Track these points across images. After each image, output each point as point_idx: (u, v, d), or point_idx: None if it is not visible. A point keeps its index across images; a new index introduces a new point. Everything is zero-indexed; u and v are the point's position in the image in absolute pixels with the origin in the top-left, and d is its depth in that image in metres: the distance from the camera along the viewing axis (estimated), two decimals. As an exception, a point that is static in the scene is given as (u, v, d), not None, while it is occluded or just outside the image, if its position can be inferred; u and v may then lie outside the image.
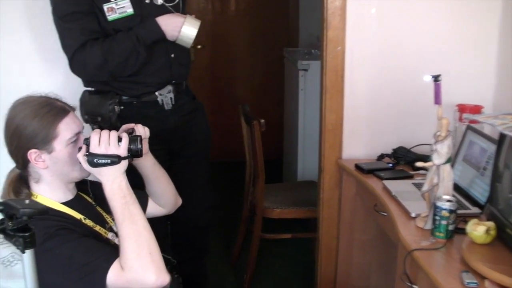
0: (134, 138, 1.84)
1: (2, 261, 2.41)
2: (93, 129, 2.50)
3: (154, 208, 2.19)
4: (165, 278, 1.66)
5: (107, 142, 1.76)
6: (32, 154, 1.78)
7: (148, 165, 2.07)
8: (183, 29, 2.47)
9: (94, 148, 1.75)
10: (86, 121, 2.52)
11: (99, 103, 2.51)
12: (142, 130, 1.98)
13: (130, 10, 2.45)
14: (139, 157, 1.87)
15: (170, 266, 2.09)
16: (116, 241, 1.88)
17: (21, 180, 1.88)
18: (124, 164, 1.78)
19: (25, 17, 2.76)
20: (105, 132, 1.78)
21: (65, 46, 2.44)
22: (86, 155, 1.75)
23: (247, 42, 5.75)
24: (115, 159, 1.74)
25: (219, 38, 5.64)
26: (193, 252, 3.05)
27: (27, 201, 1.16)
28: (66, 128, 1.80)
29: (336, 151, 2.88)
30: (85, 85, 2.60)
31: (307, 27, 5.26)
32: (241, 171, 3.79)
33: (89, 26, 2.41)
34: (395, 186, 2.40)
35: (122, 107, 2.55)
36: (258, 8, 5.64)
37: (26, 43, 2.79)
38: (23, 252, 1.16)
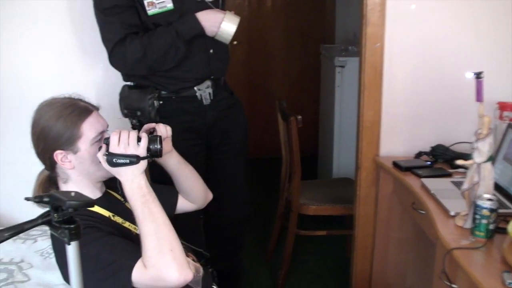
0: (153, 138, 1.83)
1: (41, 253, 2.46)
2: (132, 124, 2.53)
3: (184, 204, 2.21)
4: (188, 274, 1.66)
5: (126, 142, 1.76)
6: (58, 155, 1.80)
7: (173, 162, 2.08)
8: (223, 25, 2.47)
9: (114, 148, 1.75)
10: (126, 116, 2.54)
11: (139, 98, 2.53)
12: (164, 130, 1.98)
13: (170, 5, 2.46)
14: (158, 157, 1.86)
15: (203, 259, 2.12)
16: None
17: (50, 181, 1.91)
18: (143, 164, 1.77)
19: (66, 12, 2.79)
20: (124, 132, 1.78)
21: (105, 40, 2.47)
22: (106, 155, 1.76)
23: (283, 38, 5.74)
24: (133, 159, 1.74)
25: (255, 34, 5.64)
26: (230, 247, 3.06)
27: (72, 194, 1.18)
28: (90, 128, 1.81)
29: (374, 148, 2.86)
30: (125, 80, 2.63)
31: (343, 24, 5.24)
32: (276, 167, 3.79)
33: (129, 20, 2.44)
34: (433, 184, 2.38)
35: (161, 102, 2.57)
36: (294, 4, 5.63)
37: (66, 38, 2.82)
38: (69, 244, 1.18)
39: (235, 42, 5.37)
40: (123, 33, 2.42)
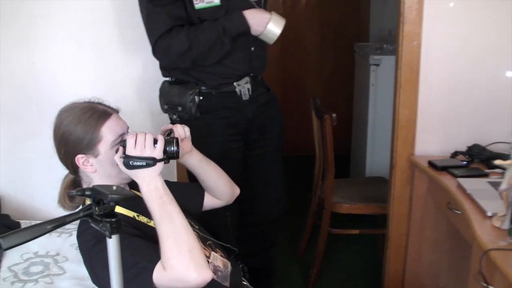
0: (170, 140, 1.83)
1: (77, 247, 2.48)
2: (171, 119, 2.54)
3: (211, 200, 2.21)
4: (207, 274, 1.65)
5: (143, 144, 1.76)
6: (80, 159, 1.82)
7: (194, 162, 2.07)
8: (269, 26, 2.51)
9: (130, 151, 1.75)
10: (166, 111, 2.57)
11: (180, 93, 2.55)
12: (181, 131, 1.97)
13: (216, 1, 2.48)
14: (175, 158, 1.85)
15: (233, 255, 2.13)
16: None
17: (75, 185, 1.94)
18: (159, 166, 1.77)
19: (104, 9, 2.82)
20: (141, 135, 1.78)
21: (151, 30, 2.48)
22: (122, 157, 1.76)
23: (317, 36, 5.73)
24: (150, 161, 1.74)
25: (289, 32, 5.60)
26: (263, 244, 3.07)
27: (114, 187, 1.19)
28: (109, 131, 1.82)
29: (409, 147, 2.84)
30: (164, 75, 2.64)
31: (378, 22, 5.20)
32: (308, 165, 3.79)
33: (176, 13, 2.45)
34: (470, 184, 2.35)
35: (201, 98, 2.58)
36: (328, 2, 5.62)
37: (106, 35, 2.86)
38: (110, 237, 1.19)
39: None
40: (170, 24, 2.43)
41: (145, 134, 1.78)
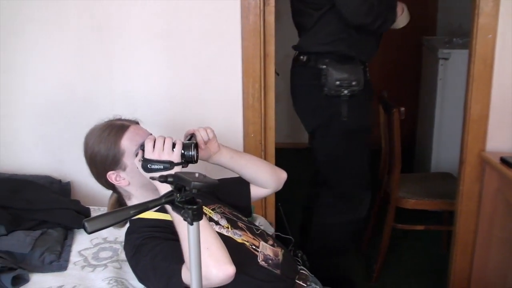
0: (188, 145, 1.83)
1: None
2: (340, 96, 2.72)
3: (258, 191, 2.20)
4: (227, 269, 1.64)
5: (161, 148, 1.78)
6: (111, 175, 1.88)
7: (225, 160, 2.07)
8: (401, 16, 2.77)
9: (148, 154, 1.78)
10: (335, 88, 2.69)
11: (352, 68, 2.70)
12: (204, 133, 1.97)
13: None
14: (193, 162, 1.85)
15: (291, 244, 2.21)
16: (216, 228, 1.90)
17: (119, 203, 2.00)
18: (177, 169, 1.78)
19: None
20: (159, 138, 1.80)
21: None
22: (141, 160, 1.79)
23: (382, 28, 5.64)
24: (167, 165, 1.75)
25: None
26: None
27: (197, 175, 1.20)
28: (129, 142, 1.86)
29: (480, 142, 2.78)
30: (325, 52, 2.74)
31: (446, 15, 5.09)
32: (371, 159, 3.74)
33: None
34: (545, 182, 2.29)
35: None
36: (395, -6, 5.52)
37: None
38: (191, 224, 1.20)
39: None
40: None
41: (164, 138, 1.81)
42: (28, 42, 2.78)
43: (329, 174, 3.00)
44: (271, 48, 2.77)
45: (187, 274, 1.66)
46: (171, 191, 1.24)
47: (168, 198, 1.23)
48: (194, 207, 1.18)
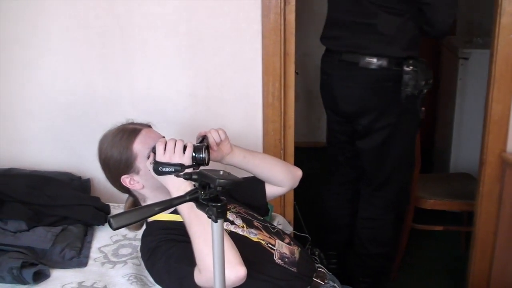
0: (199, 147, 1.84)
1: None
2: (417, 95, 2.75)
3: (273, 189, 2.20)
4: (238, 271, 1.65)
5: (172, 151, 1.78)
6: (125, 179, 1.90)
7: (238, 160, 2.07)
8: None
9: (160, 157, 1.78)
10: (421, 87, 2.73)
11: (427, 69, 2.75)
12: (216, 134, 1.97)
13: None
14: (204, 165, 1.85)
15: (308, 242, 2.21)
16: (231, 228, 1.91)
17: (134, 204, 2.02)
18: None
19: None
20: (170, 141, 1.81)
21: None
22: (152, 163, 1.80)
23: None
24: (178, 168, 1.76)
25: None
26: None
27: (221, 172, 1.20)
28: (141, 146, 1.88)
29: (501, 143, 2.76)
30: (407, 55, 2.75)
31: (465, 14, 5.05)
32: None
33: None
34: None
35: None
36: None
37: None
38: (216, 222, 1.20)
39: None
40: None
41: (175, 140, 1.82)
42: (50, 39, 2.80)
43: (391, 171, 3.01)
44: (291, 47, 2.77)
45: (199, 275, 1.70)
46: (195, 188, 1.24)
47: (192, 196, 1.23)
48: (219, 204, 1.18)
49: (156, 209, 1.19)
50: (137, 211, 1.21)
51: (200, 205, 1.22)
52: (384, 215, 3.06)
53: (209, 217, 1.20)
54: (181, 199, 1.25)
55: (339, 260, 3.28)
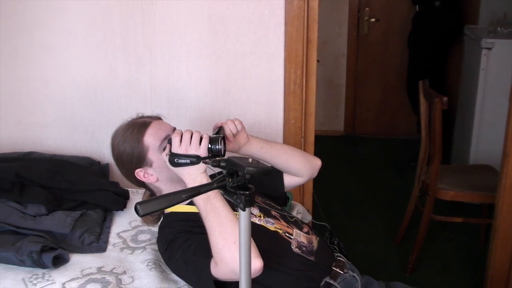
0: (215, 139, 1.83)
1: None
2: None
3: (291, 179, 2.20)
4: (254, 263, 1.63)
5: (188, 142, 1.79)
6: (139, 173, 1.92)
7: (255, 150, 2.07)
8: None
9: (176, 148, 1.79)
10: None
11: None
12: (232, 125, 1.97)
13: None
14: (220, 156, 1.83)
15: (327, 232, 2.20)
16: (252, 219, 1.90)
17: (151, 197, 2.02)
18: (204, 164, 1.79)
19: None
20: (187, 133, 1.80)
21: None
22: (168, 155, 1.79)
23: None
24: (194, 159, 1.76)
25: (392, 11, 5.50)
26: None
27: (250, 160, 1.18)
28: (152, 138, 1.89)
29: (525, 135, 2.72)
30: None
31: (489, 4, 4.98)
32: (408, 149, 3.70)
33: None
34: None
35: None
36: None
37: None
38: (244, 210, 1.18)
39: (372, 19, 5.30)
40: None
41: (191, 132, 1.82)
42: (71, 24, 2.79)
43: None
44: (314, 34, 2.74)
45: (215, 268, 1.70)
46: (223, 176, 1.23)
47: (220, 183, 1.21)
48: (247, 192, 1.16)
49: (184, 196, 1.18)
50: (164, 197, 1.20)
51: (228, 193, 1.20)
52: None
53: (237, 205, 1.18)
54: (208, 187, 1.23)
55: None
